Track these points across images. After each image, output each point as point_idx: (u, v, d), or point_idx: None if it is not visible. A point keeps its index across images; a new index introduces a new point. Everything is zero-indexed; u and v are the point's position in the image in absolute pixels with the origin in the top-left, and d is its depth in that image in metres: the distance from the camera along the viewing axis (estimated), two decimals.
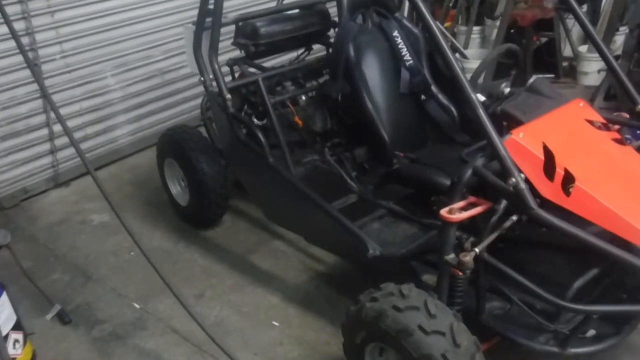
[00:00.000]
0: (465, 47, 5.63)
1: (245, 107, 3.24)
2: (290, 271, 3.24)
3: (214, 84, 3.08)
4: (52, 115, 4.25)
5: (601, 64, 3.83)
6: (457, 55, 3.33)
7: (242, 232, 3.60)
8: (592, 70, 5.20)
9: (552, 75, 5.58)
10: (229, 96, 2.92)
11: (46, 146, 4.34)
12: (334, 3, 3.28)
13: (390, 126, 3.05)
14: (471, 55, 5.40)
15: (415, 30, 3.29)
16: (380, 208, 2.93)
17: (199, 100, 5.20)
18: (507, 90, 2.56)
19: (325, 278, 3.19)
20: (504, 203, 2.07)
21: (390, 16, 3.27)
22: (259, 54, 3.32)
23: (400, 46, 3.20)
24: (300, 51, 3.71)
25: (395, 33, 3.21)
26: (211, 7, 2.95)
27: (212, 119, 3.59)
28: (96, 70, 4.47)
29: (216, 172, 3.36)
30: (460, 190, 2.12)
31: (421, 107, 3.28)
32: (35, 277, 3.25)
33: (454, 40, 5.54)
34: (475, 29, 5.85)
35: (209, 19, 3.02)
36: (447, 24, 6.02)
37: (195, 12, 4.76)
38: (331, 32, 3.64)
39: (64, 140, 4.35)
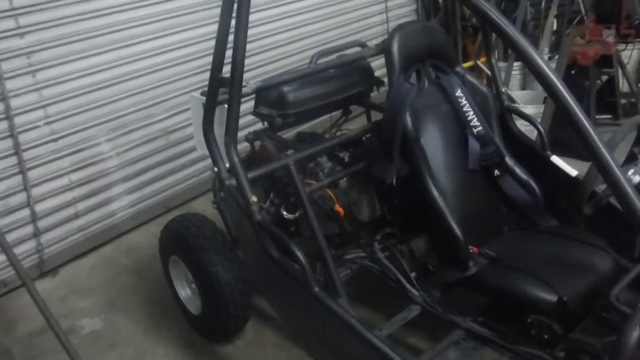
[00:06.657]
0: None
1: (272, 195, 2.55)
2: None
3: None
4: (34, 193, 3.61)
5: None
6: (506, 99, 2.61)
7: (269, 347, 2.81)
8: None
9: (610, 116, 4.89)
10: (254, 199, 2.16)
11: (28, 229, 3.65)
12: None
13: (460, 214, 2.35)
14: (520, 99, 4.69)
15: (483, 88, 2.62)
16: (455, 328, 2.23)
17: (209, 161, 4.62)
18: (638, 179, 1.88)
19: None
20: None
21: (450, 71, 2.58)
22: (287, 124, 2.61)
23: (465, 108, 2.52)
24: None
25: (459, 92, 2.53)
26: (227, 75, 2.14)
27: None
28: (88, 136, 3.81)
29: (235, 277, 2.58)
30: None
31: (494, 184, 2.59)
32: None
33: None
34: (516, 64, 5.15)
35: (222, 89, 2.28)
36: (482, 59, 5.37)
37: (205, 61, 4.40)
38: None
39: (50, 220, 3.73)
